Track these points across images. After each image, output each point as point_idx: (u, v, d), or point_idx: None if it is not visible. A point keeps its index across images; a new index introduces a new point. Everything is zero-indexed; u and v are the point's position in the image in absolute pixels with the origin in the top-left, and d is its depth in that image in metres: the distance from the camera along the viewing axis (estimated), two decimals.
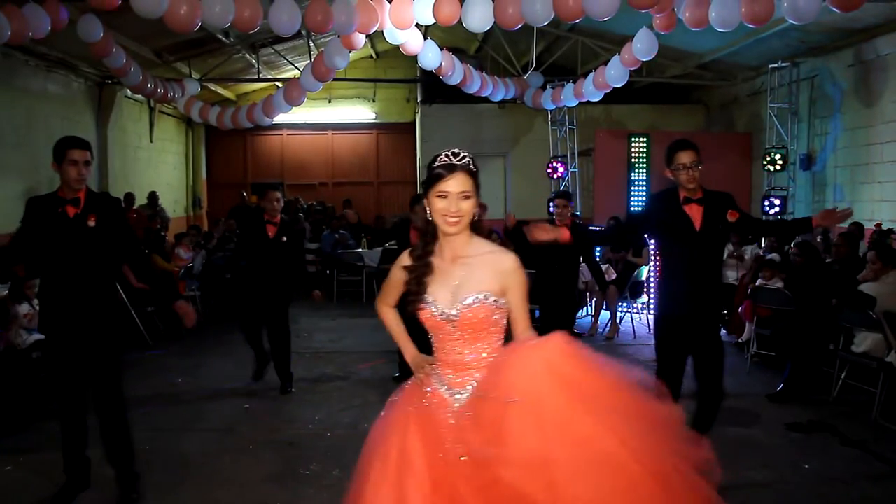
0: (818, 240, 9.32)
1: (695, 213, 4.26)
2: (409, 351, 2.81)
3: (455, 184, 2.48)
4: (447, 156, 2.51)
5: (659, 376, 4.26)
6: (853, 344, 6.18)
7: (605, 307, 9.40)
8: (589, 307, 9.96)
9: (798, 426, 5.60)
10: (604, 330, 9.23)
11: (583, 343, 2.40)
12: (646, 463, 2.19)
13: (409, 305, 2.62)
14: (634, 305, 9.55)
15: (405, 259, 2.69)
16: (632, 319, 9.41)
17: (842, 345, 6.28)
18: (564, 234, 4.34)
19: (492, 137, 14.86)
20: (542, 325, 7.11)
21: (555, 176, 12.85)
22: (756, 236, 9.21)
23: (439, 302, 2.53)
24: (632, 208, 11.03)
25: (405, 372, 3.76)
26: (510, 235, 7.92)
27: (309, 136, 18.05)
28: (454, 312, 2.50)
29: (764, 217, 10.61)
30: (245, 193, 15.32)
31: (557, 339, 2.35)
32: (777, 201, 10.47)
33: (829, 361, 6.42)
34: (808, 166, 10.93)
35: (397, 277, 2.74)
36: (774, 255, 8.32)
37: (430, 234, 2.61)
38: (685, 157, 4.17)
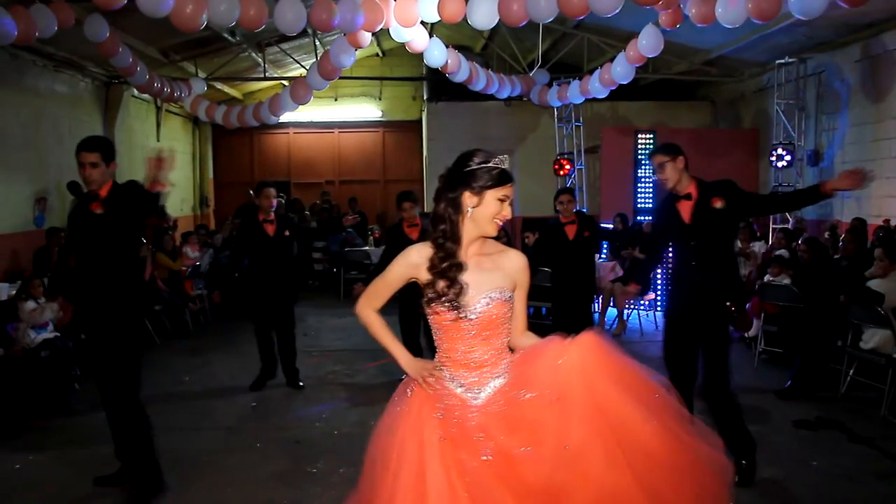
0: (826, 236, 9.30)
1: (684, 208, 4.41)
2: (405, 356, 2.66)
3: (512, 190, 2.53)
4: (499, 159, 2.52)
5: (668, 373, 4.28)
6: (861, 340, 6.16)
7: (612, 304, 9.40)
8: (596, 304, 9.95)
9: (806, 423, 5.59)
10: (611, 327, 9.23)
11: (613, 341, 2.45)
12: (677, 452, 2.29)
13: (428, 305, 2.52)
14: (642, 302, 9.53)
15: (414, 257, 2.58)
16: (639, 316, 9.39)
17: (850, 341, 6.26)
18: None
19: (498, 135, 14.83)
20: (554, 322, 7.11)
21: (561, 173, 12.84)
22: (763, 214, 9.22)
23: (462, 301, 2.49)
24: (638, 205, 11.02)
25: None
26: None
27: (315, 134, 18.05)
28: (475, 311, 2.48)
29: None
30: (252, 192, 15.33)
31: (589, 339, 2.39)
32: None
33: (838, 358, 6.40)
34: (816, 162, 10.88)
35: (399, 275, 2.62)
36: (783, 252, 8.29)
37: (453, 232, 2.52)
38: (653, 162, 4.47)
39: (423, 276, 2.53)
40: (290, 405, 6.31)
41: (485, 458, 2.32)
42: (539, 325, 9.22)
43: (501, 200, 2.51)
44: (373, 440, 2.54)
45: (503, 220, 2.53)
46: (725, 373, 4.44)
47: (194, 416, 5.98)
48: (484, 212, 2.50)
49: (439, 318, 2.52)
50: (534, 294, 8.58)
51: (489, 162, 2.50)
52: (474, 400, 2.47)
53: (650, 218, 9.76)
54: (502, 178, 2.50)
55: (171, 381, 7.03)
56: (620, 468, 2.24)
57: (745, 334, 8.04)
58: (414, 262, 2.57)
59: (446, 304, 2.48)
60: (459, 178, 2.51)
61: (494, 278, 2.53)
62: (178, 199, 15.76)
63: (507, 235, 9.42)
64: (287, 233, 6.67)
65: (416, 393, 2.56)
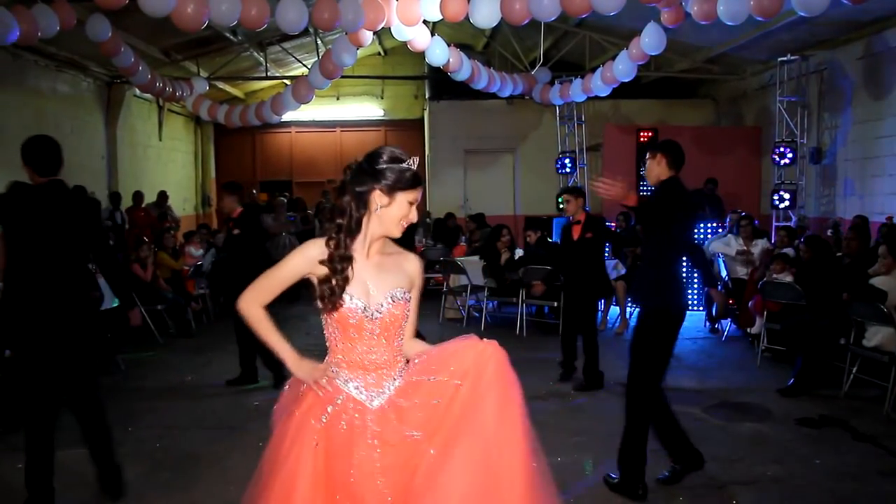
0: (828, 233, 9.28)
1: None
2: (293, 357, 2.51)
3: (419, 194, 2.48)
4: (411, 162, 2.44)
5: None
6: (864, 338, 6.14)
7: (614, 303, 9.39)
8: (600, 302, 9.93)
9: (809, 421, 5.57)
10: (613, 325, 9.22)
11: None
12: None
13: (326, 302, 2.41)
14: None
15: (313, 250, 2.46)
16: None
17: (853, 339, 6.24)
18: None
19: (500, 133, 14.85)
20: (564, 321, 7.09)
21: (563, 171, 12.84)
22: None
23: (360, 300, 2.42)
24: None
25: None
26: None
27: (317, 133, 18.07)
28: (379, 310, 2.43)
29: (773, 211, 10.59)
30: (254, 191, 15.35)
31: (495, 346, 2.38)
32: (787, 195, 10.42)
33: (841, 356, 6.39)
34: (818, 160, 10.87)
35: (295, 269, 2.49)
36: (789, 250, 8.27)
37: (353, 227, 2.44)
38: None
39: (319, 271, 2.44)
40: None
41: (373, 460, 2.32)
42: (542, 323, 9.23)
43: (410, 203, 2.45)
44: (269, 444, 2.49)
45: (408, 223, 2.48)
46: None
47: (197, 416, 5.98)
48: (392, 213, 2.44)
49: (341, 316, 2.42)
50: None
51: (403, 162, 2.43)
52: (370, 403, 2.42)
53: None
54: (415, 181, 2.44)
55: (173, 380, 7.04)
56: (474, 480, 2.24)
57: (748, 331, 8.03)
58: (312, 255, 2.45)
59: (337, 300, 2.40)
60: (371, 175, 2.42)
61: (396, 278, 2.49)
62: (181, 199, 15.78)
63: (511, 234, 9.41)
64: (237, 231, 6.69)
65: (306, 395, 2.48)
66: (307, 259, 2.45)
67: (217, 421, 5.88)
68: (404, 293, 2.48)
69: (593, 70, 10.63)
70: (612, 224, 10.31)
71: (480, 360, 2.34)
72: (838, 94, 10.54)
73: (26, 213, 3.92)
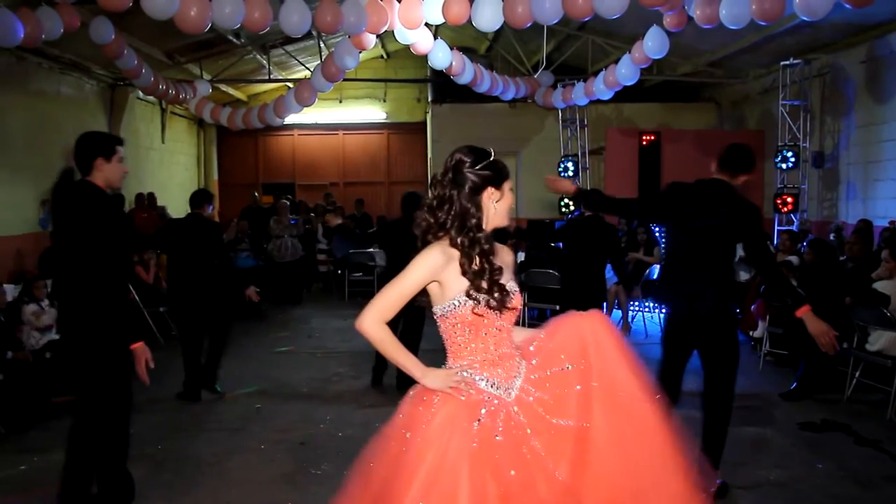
0: (831, 237, 9.27)
1: None
2: (422, 370, 2.48)
3: None
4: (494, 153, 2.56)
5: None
6: (867, 342, 6.14)
7: (616, 306, 9.39)
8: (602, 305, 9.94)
9: (812, 425, 5.57)
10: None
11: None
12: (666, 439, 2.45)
13: (496, 303, 2.43)
14: (646, 304, 9.52)
15: (438, 257, 2.45)
16: (643, 318, 9.38)
17: (856, 343, 6.24)
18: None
19: (502, 137, 14.82)
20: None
21: (566, 175, 12.83)
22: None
23: (514, 293, 2.52)
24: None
25: (404, 381, 3.67)
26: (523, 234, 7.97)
27: (320, 136, 18.06)
28: (513, 303, 2.51)
29: (775, 215, 10.57)
30: (257, 194, 15.36)
31: (599, 315, 2.57)
32: (789, 199, 10.41)
33: (843, 360, 6.38)
34: (821, 164, 10.85)
35: (420, 282, 2.47)
36: (793, 258, 8.24)
37: (475, 226, 2.48)
38: None
39: (450, 278, 2.44)
40: (294, 407, 6.31)
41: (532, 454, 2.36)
42: None
43: (512, 191, 2.59)
44: (380, 446, 2.45)
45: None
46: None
47: (198, 418, 5.98)
48: (505, 204, 2.55)
49: (478, 319, 2.44)
50: (540, 296, 8.67)
51: (484, 156, 2.53)
52: (508, 396, 2.46)
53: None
54: (508, 172, 2.57)
55: (175, 381, 7.03)
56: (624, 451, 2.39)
57: (751, 335, 8.02)
58: (439, 263, 2.44)
59: (490, 306, 2.43)
60: (493, 176, 2.51)
61: (508, 270, 2.56)
62: (183, 201, 15.77)
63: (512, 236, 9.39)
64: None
65: (443, 400, 2.41)
66: (433, 268, 2.45)
67: (219, 423, 5.88)
68: (513, 283, 2.56)
69: (596, 73, 10.63)
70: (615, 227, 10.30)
71: (584, 338, 2.50)
72: (841, 97, 10.53)
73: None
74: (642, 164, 11.42)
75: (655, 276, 9.41)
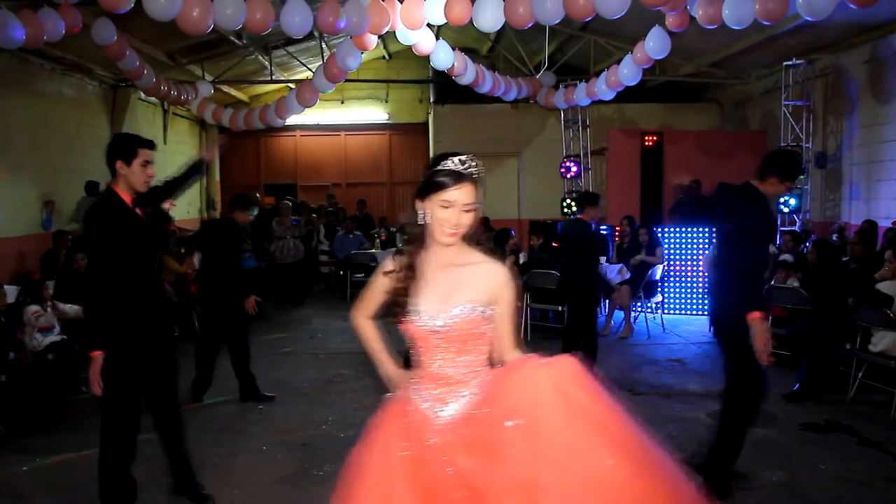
0: (834, 238, 9.26)
1: None
2: (387, 367, 2.65)
3: (460, 195, 2.31)
4: (454, 161, 2.34)
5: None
6: (870, 343, 6.12)
7: (618, 307, 9.38)
8: (603, 306, 9.93)
9: (815, 426, 5.55)
10: (618, 330, 9.20)
11: (590, 371, 2.23)
12: (642, 492, 2.09)
13: (394, 315, 2.43)
14: (648, 305, 9.51)
15: (388, 265, 2.51)
16: (646, 319, 9.37)
17: (858, 344, 6.22)
18: None
19: (504, 137, 14.84)
20: (567, 325, 7.09)
21: (568, 175, 12.83)
22: None
23: (425, 312, 2.36)
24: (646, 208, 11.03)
25: None
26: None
27: (322, 137, 18.08)
28: (441, 323, 2.34)
29: (778, 215, 10.54)
30: (259, 195, 15.36)
31: (567, 362, 2.21)
32: (792, 200, 10.39)
33: (846, 361, 6.36)
34: (824, 164, 10.84)
35: (379, 285, 2.56)
36: (787, 256, 8.24)
37: (419, 238, 2.43)
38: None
39: (392, 284, 2.48)
40: (296, 408, 6.30)
41: (448, 470, 2.25)
42: (547, 327, 9.21)
43: (444, 206, 2.32)
44: (349, 464, 2.46)
45: (453, 228, 2.33)
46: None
47: (200, 419, 5.97)
48: (435, 218, 2.35)
49: (406, 326, 2.42)
50: (541, 297, 8.66)
51: (439, 163, 2.36)
52: (437, 419, 2.36)
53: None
54: (441, 184, 2.32)
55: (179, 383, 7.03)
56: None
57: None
58: (386, 270, 2.52)
59: (402, 312, 2.41)
60: (425, 186, 2.38)
61: (469, 289, 2.36)
62: (185, 202, 15.79)
63: (513, 236, 9.39)
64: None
65: (389, 406, 2.50)
66: (381, 273, 2.54)
67: (221, 424, 5.87)
68: (475, 306, 2.34)
69: (598, 74, 10.62)
70: (616, 229, 10.30)
71: (537, 394, 2.15)
72: (844, 98, 10.51)
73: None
74: (644, 164, 11.42)
75: (657, 277, 9.41)
